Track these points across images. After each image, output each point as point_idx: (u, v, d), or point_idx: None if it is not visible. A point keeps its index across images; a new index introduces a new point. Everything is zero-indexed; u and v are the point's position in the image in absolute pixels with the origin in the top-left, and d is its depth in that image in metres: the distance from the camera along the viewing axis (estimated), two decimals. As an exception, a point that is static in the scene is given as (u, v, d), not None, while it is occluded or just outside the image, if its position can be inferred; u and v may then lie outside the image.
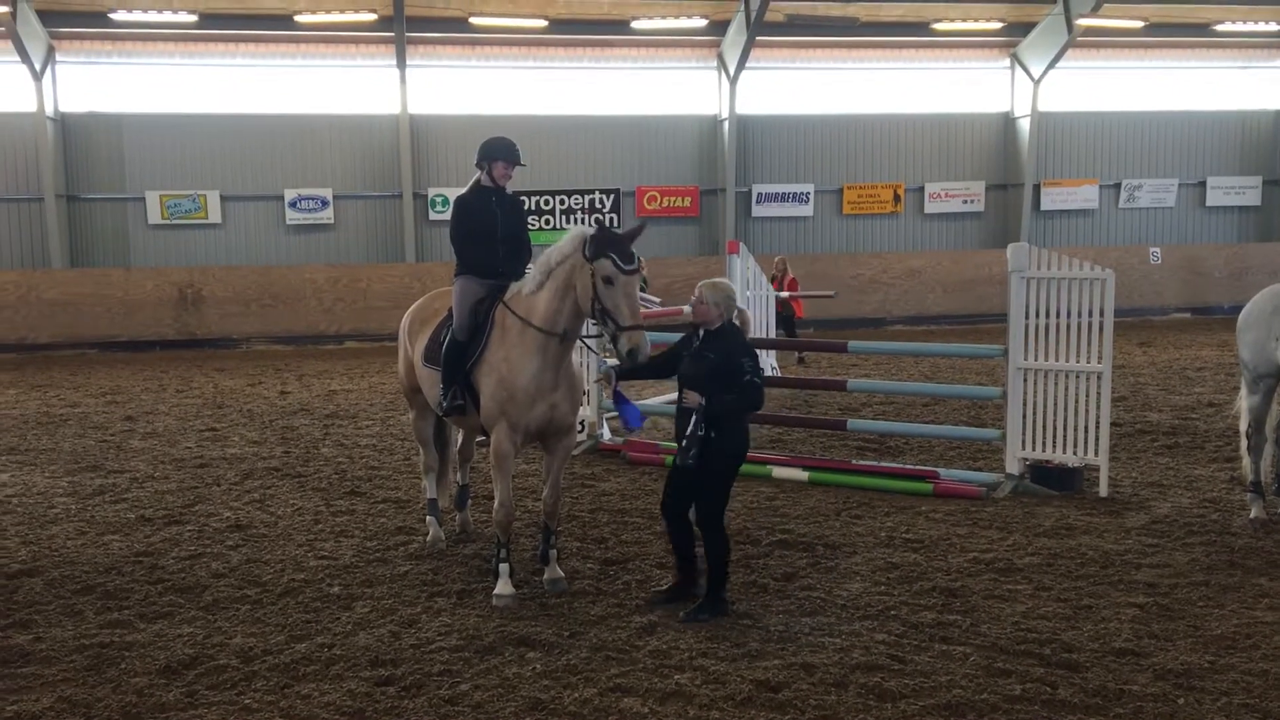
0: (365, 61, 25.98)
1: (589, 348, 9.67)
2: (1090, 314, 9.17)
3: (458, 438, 8.62)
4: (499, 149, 7.36)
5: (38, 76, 23.85)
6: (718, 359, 6.39)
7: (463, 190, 7.54)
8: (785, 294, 17.97)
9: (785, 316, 18.31)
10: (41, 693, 5.55)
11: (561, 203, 26.40)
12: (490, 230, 7.34)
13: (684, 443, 6.36)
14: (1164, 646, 5.93)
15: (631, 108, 27.17)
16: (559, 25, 25.78)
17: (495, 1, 25.20)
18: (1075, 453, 9.34)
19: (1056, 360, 9.34)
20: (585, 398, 10.98)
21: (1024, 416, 9.49)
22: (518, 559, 7.31)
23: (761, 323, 15.60)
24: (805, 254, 27.43)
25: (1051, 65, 27.28)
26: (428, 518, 8.24)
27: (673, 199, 27.53)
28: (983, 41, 28.14)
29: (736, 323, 6.69)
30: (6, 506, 9.53)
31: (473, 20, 25.29)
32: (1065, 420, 9.33)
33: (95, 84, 25.00)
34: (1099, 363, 9.18)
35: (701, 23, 26.27)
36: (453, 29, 25.61)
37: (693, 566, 6.78)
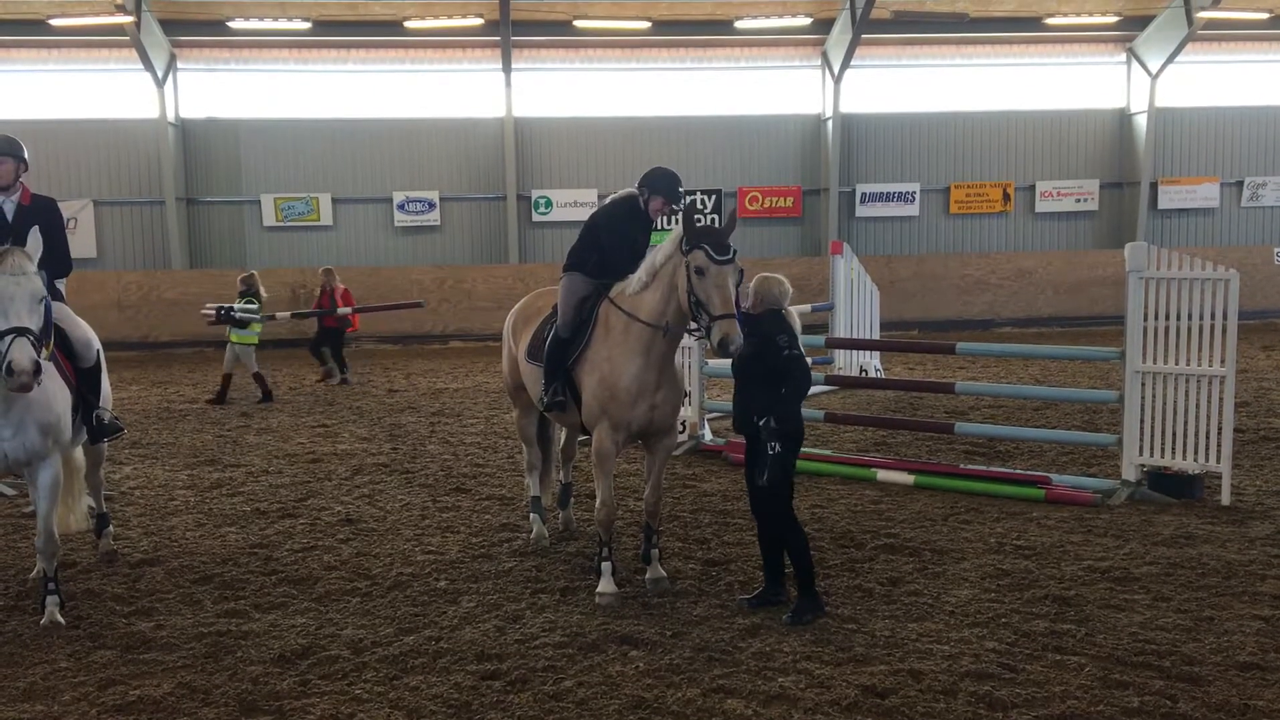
0: (471, 66, 26.36)
1: (693, 334, 9.61)
2: (1212, 316, 8.85)
3: (561, 436, 8.68)
4: (664, 185, 7.28)
5: (160, 84, 24.74)
6: (757, 340, 6.42)
7: (615, 195, 7.56)
8: (347, 309, 17.69)
9: (335, 331, 17.86)
10: (162, 678, 5.74)
11: (663, 203, 26.34)
12: (624, 248, 7.35)
13: (757, 462, 6.47)
14: (1292, 662, 5.68)
15: (734, 108, 27.03)
16: (662, 26, 25.79)
17: (600, 4, 25.36)
18: (1195, 459, 9.00)
19: (1176, 364, 9.03)
20: (686, 398, 10.96)
21: (1141, 421, 9.19)
22: (620, 558, 7.33)
23: (854, 322, 15.40)
24: (911, 255, 26.99)
25: (1170, 60, 26.35)
26: (531, 515, 8.30)
27: (775, 199, 27.33)
28: (1097, 36, 27.32)
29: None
30: (130, 498, 9.89)
31: (577, 23, 25.46)
32: (1185, 425, 9.00)
33: (214, 91, 25.82)
34: (1221, 366, 8.84)
35: (806, 21, 26.02)
36: (557, 32, 25.84)
37: (778, 572, 6.75)
